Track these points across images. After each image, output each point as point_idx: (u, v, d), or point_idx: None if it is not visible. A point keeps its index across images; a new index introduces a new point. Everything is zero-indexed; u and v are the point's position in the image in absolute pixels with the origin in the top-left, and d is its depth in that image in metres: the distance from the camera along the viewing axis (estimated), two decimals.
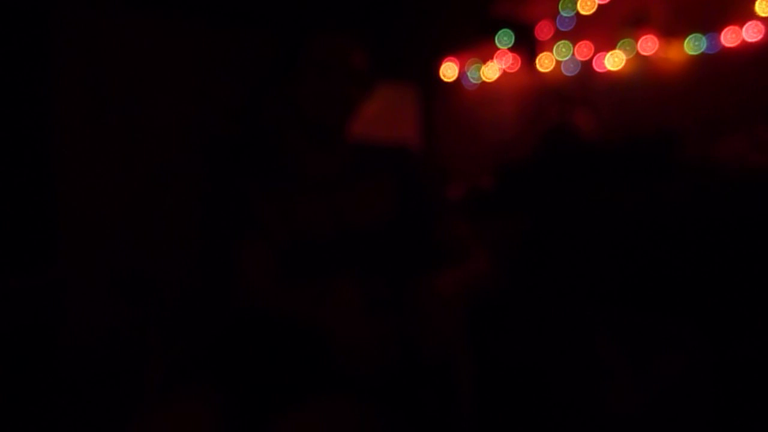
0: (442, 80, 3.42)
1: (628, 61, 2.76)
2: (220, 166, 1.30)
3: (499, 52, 3.17)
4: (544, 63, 3.02)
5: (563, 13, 2.89)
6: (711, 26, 2.52)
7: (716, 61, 2.53)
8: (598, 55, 2.84)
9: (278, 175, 1.28)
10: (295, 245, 1.20)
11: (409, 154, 1.34)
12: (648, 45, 2.68)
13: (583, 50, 2.87)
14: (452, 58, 3.39)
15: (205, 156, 2.82)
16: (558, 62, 2.97)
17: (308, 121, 1.25)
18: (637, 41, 2.70)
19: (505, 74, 3.22)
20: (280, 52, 1.29)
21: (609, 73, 2.83)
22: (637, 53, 2.72)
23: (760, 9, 2.39)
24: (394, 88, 3.25)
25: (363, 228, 1.23)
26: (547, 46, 3.00)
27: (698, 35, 2.55)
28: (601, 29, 2.82)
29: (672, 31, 2.63)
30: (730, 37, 2.47)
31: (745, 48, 2.45)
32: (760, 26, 2.40)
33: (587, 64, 2.88)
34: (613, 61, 2.79)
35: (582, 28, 2.88)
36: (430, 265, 1.18)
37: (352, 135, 1.32)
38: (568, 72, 2.95)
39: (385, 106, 3.10)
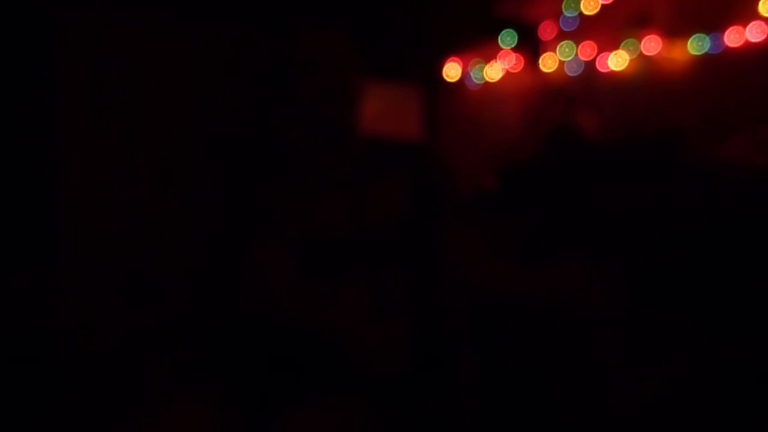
0: (444, 80, 3.42)
1: (631, 61, 2.75)
2: (236, 165, 1.29)
3: (502, 52, 3.17)
4: (548, 63, 3.01)
5: (566, 13, 2.89)
6: (714, 26, 2.51)
7: (719, 62, 2.52)
8: (601, 55, 2.83)
9: (296, 175, 1.27)
10: (310, 245, 1.20)
11: (422, 152, 1.33)
12: (651, 45, 2.67)
13: (587, 50, 2.87)
14: (455, 58, 3.38)
15: (209, 156, 2.82)
16: (561, 62, 2.97)
17: (311, 120, 1.24)
18: (640, 41, 2.70)
19: (508, 74, 3.21)
20: (272, 53, 1.27)
21: (612, 73, 2.82)
22: (641, 53, 2.71)
23: (763, 9, 2.38)
24: (397, 88, 3.24)
25: (378, 228, 1.23)
26: (551, 46, 2.99)
27: (701, 35, 2.54)
28: (605, 29, 2.81)
29: (675, 31, 2.62)
30: (733, 37, 2.46)
31: (749, 48, 2.44)
32: (764, 26, 2.39)
33: (590, 64, 2.87)
34: (617, 61, 2.78)
35: (585, 28, 2.88)
36: (434, 264, 1.17)
37: (362, 132, 1.30)
38: (571, 72, 2.94)
39: (388, 106, 3.10)
